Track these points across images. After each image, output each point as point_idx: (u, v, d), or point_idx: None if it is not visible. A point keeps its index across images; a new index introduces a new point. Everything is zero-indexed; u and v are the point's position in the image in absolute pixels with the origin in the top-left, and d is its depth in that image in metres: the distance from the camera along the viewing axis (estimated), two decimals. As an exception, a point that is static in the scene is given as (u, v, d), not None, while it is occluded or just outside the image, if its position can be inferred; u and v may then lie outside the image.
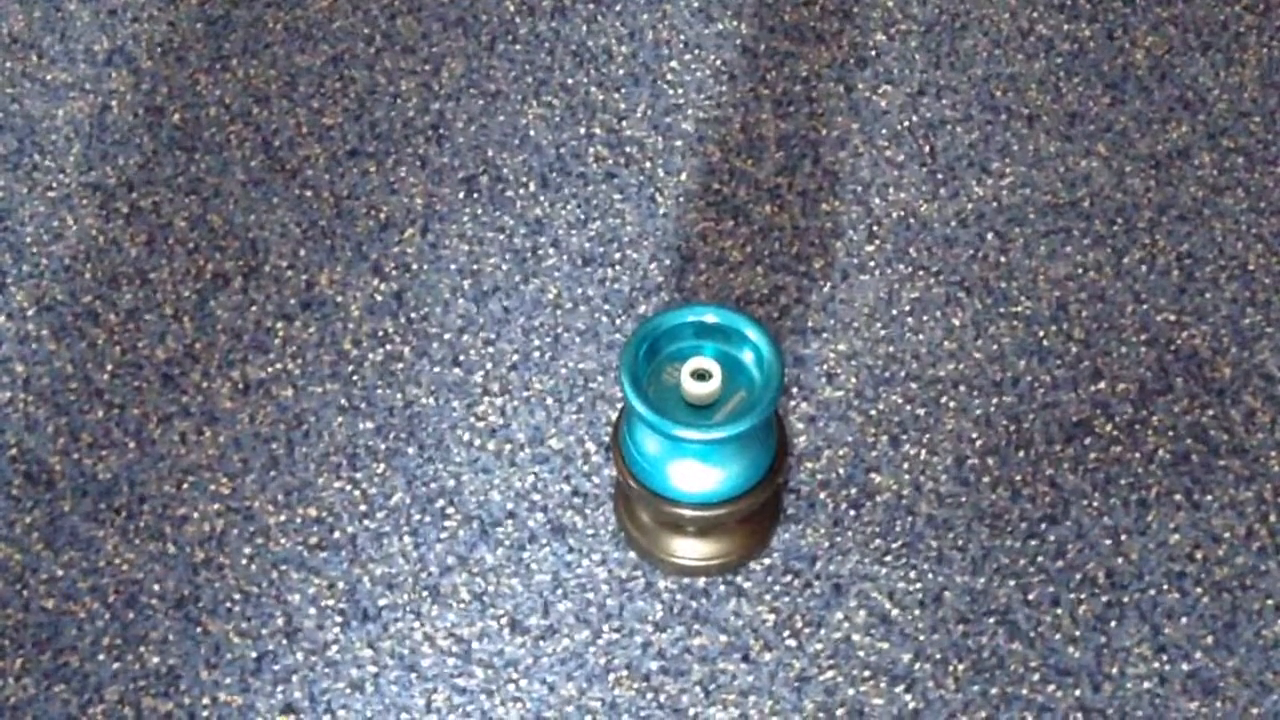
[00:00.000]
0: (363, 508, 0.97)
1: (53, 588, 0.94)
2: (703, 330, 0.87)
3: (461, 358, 1.02)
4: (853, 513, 0.96)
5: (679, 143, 1.10)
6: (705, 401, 0.86)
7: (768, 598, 0.93)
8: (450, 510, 0.96)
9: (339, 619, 0.93)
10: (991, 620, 0.93)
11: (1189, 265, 1.05)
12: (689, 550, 0.92)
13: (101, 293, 1.05)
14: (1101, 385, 1.00)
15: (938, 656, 0.92)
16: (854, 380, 1.01)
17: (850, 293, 1.04)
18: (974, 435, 0.99)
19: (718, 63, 1.14)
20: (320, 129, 1.11)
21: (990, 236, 1.06)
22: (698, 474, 0.87)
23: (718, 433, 0.83)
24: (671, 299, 1.04)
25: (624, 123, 1.11)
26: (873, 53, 1.14)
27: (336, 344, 1.02)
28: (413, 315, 1.03)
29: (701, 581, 0.94)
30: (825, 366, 1.01)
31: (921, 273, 1.05)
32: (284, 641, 0.92)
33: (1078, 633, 0.92)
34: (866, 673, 0.91)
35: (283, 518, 0.96)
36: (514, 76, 1.14)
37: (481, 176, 1.09)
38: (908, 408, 1.00)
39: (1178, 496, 0.96)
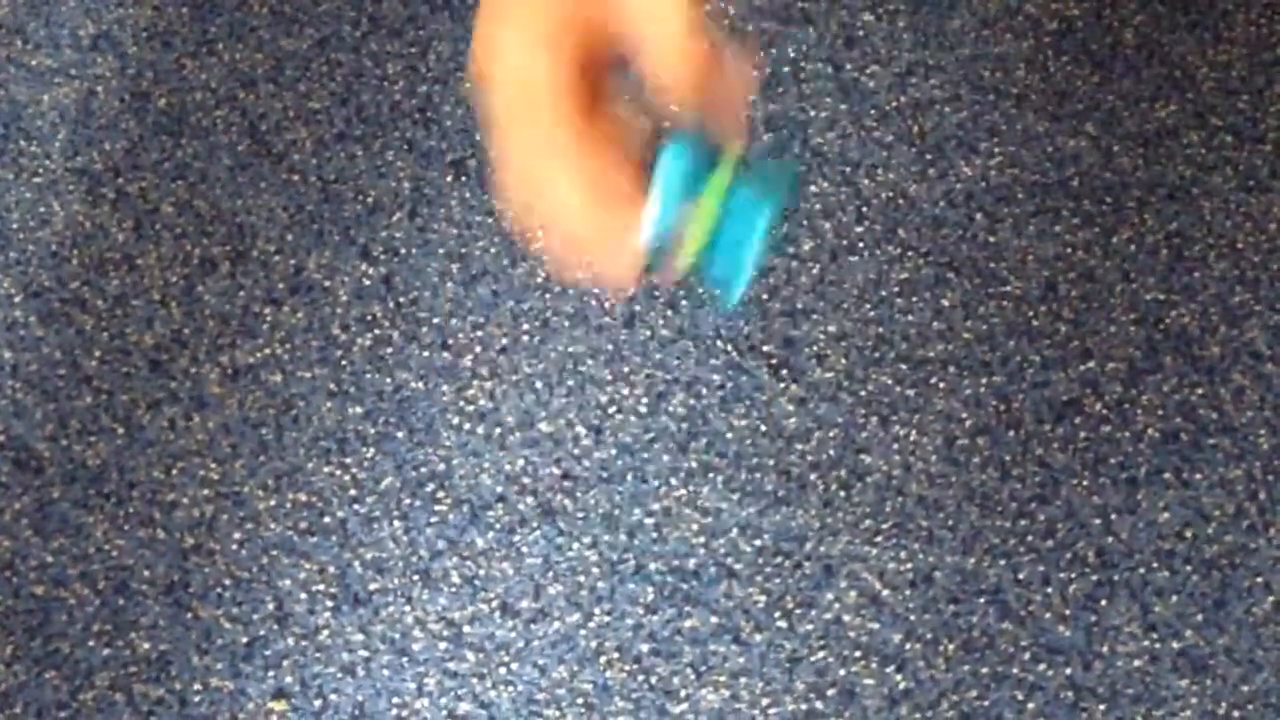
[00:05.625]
0: (353, 492, 0.97)
1: (43, 574, 0.94)
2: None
3: (450, 341, 1.02)
4: (843, 494, 0.96)
5: (666, 125, 1.10)
6: None
7: (758, 579, 0.94)
8: (440, 494, 0.96)
9: (330, 604, 0.93)
10: (982, 600, 0.93)
11: (1178, 244, 1.05)
12: None
13: (89, 279, 1.04)
14: (1091, 365, 1.00)
15: (928, 636, 0.92)
16: (843, 361, 1.01)
17: (839, 274, 1.04)
18: (964, 416, 0.99)
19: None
20: (307, 113, 1.11)
21: (979, 217, 1.06)
22: None
23: None
24: (661, 283, 1.04)
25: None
26: (860, 33, 1.14)
27: (325, 329, 1.02)
28: (401, 299, 1.03)
29: (692, 563, 0.94)
30: (815, 348, 1.01)
31: (910, 253, 1.05)
32: (275, 626, 0.92)
33: (1068, 611, 0.92)
34: (857, 653, 0.91)
35: (273, 503, 0.96)
36: (501, 59, 1.13)
37: (469, 160, 1.09)
38: (897, 389, 1.00)
39: (1167, 475, 0.97)
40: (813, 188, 1.07)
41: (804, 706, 0.90)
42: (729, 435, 0.98)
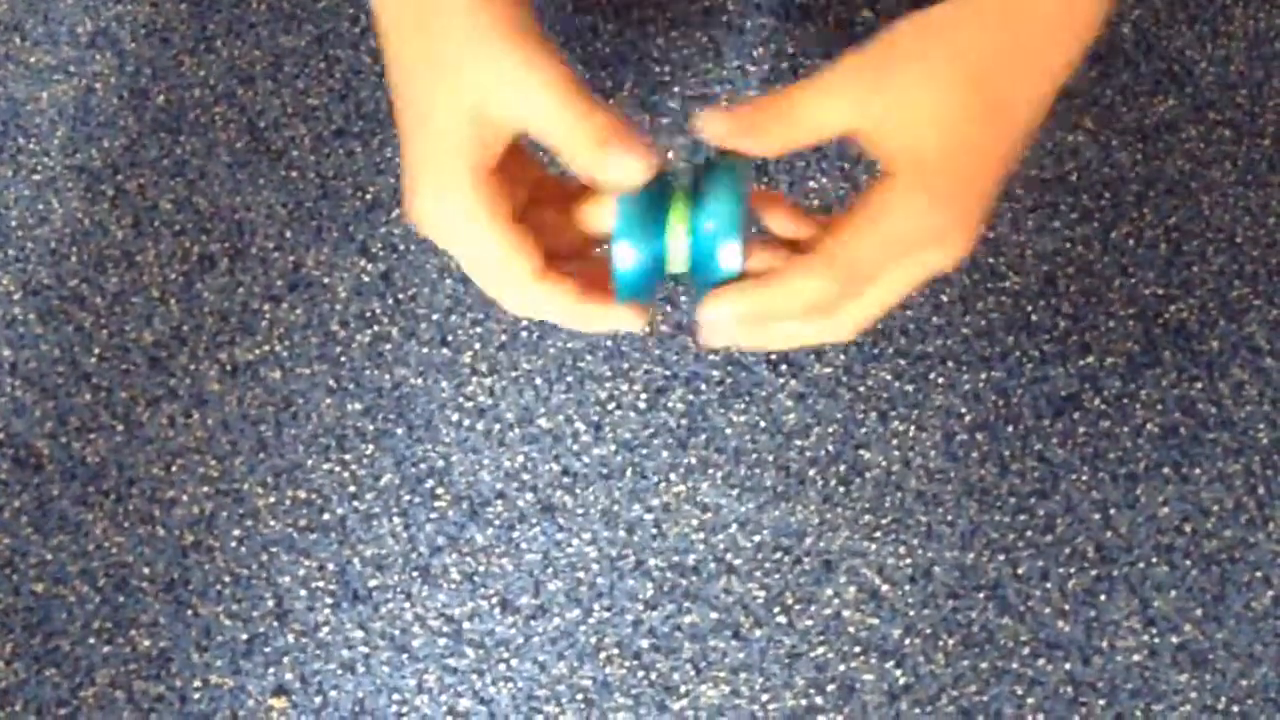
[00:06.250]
0: (352, 489, 0.97)
1: (42, 572, 0.94)
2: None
3: (450, 338, 1.02)
4: (842, 489, 0.96)
5: (666, 120, 1.10)
6: None
7: (758, 575, 0.94)
8: (440, 491, 0.96)
9: (329, 600, 0.93)
10: (981, 595, 0.93)
11: (1176, 238, 1.05)
12: None
13: (88, 276, 1.04)
14: (1090, 359, 1.00)
15: (928, 631, 0.92)
16: (842, 356, 1.01)
17: (838, 269, 1.04)
18: (962, 410, 0.99)
19: (703, 39, 1.13)
20: (305, 109, 1.11)
21: (978, 211, 1.06)
22: None
23: None
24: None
25: (610, 100, 1.11)
26: (860, 28, 1.13)
27: (324, 325, 1.02)
28: (400, 296, 1.03)
29: (691, 559, 0.94)
30: (814, 343, 1.01)
31: (909, 248, 1.04)
32: (275, 623, 0.92)
33: (1067, 606, 0.92)
34: (857, 648, 0.91)
35: (272, 500, 0.96)
36: (499, 55, 1.13)
37: (468, 156, 1.09)
38: (896, 384, 1.00)
39: (1166, 470, 0.97)
40: (811, 183, 1.07)
41: (803, 702, 0.90)
42: (728, 431, 0.98)
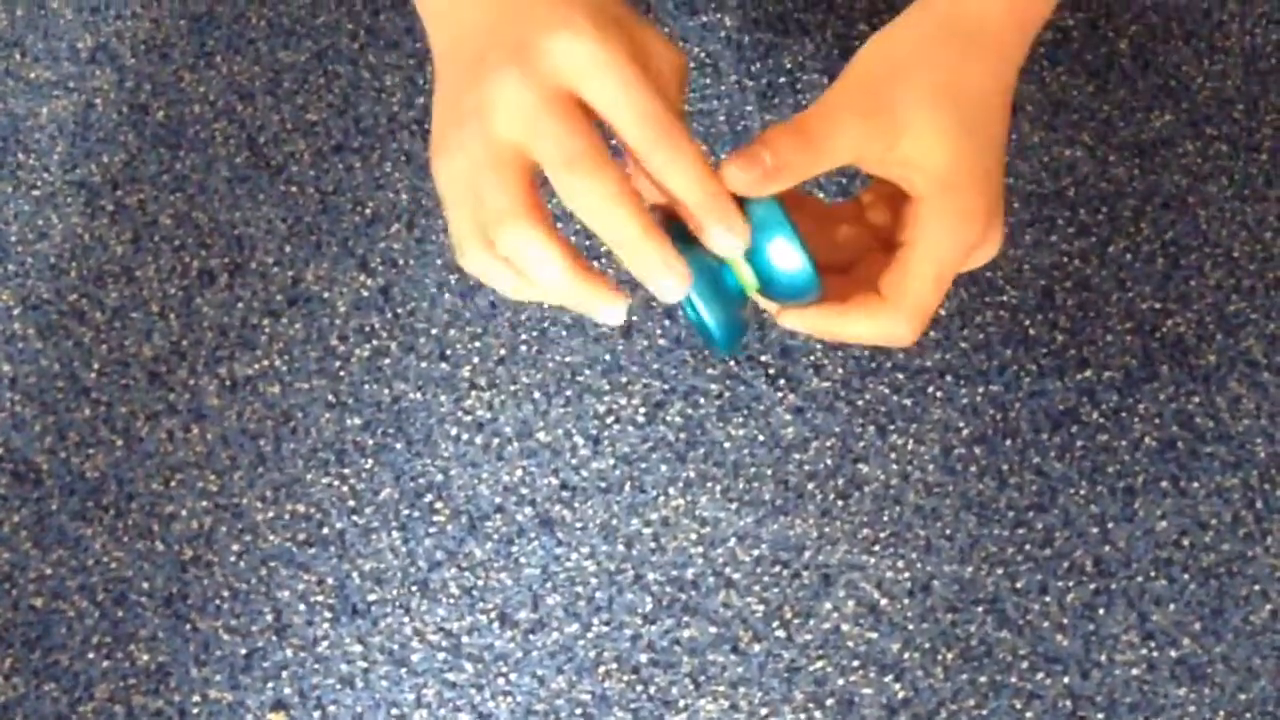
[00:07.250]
0: (351, 503, 0.97)
1: (42, 586, 0.94)
2: None
3: (448, 352, 1.02)
4: (841, 503, 0.96)
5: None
6: None
7: (756, 589, 0.94)
8: (438, 505, 0.97)
9: (328, 615, 0.93)
10: (980, 609, 0.93)
11: (1173, 253, 1.05)
12: None
13: (87, 291, 1.05)
14: (1087, 373, 1.01)
15: (926, 645, 0.92)
16: (841, 371, 1.01)
17: (836, 283, 1.04)
18: (961, 425, 0.99)
19: (702, 55, 1.14)
20: (305, 125, 1.11)
21: (975, 226, 1.06)
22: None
23: None
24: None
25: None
26: (856, 43, 1.14)
27: (323, 340, 1.02)
28: (399, 310, 1.03)
29: (690, 573, 0.94)
30: (812, 358, 1.01)
31: (907, 263, 1.05)
32: (273, 638, 0.93)
33: (1066, 620, 0.92)
34: (855, 662, 0.91)
35: (271, 514, 0.96)
36: (498, 70, 1.13)
37: (467, 171, 1.09)
38: (894, 398, 1.00)
39: (1164, 484, 0.97)
40: (809, 198, 1.07)
41: (802, 716, 0.90)
42: (727, 445, 0.98)
